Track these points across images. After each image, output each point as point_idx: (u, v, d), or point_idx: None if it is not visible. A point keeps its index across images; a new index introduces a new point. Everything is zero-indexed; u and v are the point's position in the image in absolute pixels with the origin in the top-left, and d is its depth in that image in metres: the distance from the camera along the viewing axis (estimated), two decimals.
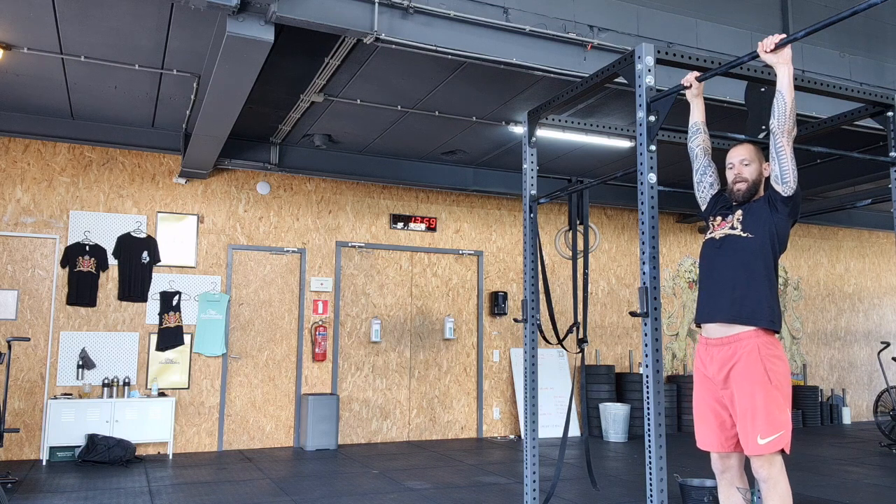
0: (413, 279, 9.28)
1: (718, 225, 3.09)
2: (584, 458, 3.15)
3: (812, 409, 11.17)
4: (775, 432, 2.77)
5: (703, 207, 3.28)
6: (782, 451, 2.82)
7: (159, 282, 7.95)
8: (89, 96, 6.78)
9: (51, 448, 7.17)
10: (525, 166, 4.40)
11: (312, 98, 6.49)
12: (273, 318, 8.50)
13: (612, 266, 10.49)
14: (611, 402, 9.45)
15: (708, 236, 3.12)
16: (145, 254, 7.92)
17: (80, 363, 7.51)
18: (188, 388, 7.97)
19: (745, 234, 2.92)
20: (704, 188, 3.26)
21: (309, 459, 7.50)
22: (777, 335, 2.90)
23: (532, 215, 4.36)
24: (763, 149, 3.30)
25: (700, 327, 3.08)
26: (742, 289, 2.89)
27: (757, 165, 3.01)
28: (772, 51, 2.84)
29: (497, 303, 9.51)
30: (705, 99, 5.97)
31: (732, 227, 2.97)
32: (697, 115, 3.30)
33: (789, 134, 2.85)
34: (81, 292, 7.58)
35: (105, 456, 7.00)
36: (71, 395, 7.39)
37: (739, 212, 3.01)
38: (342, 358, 8.77)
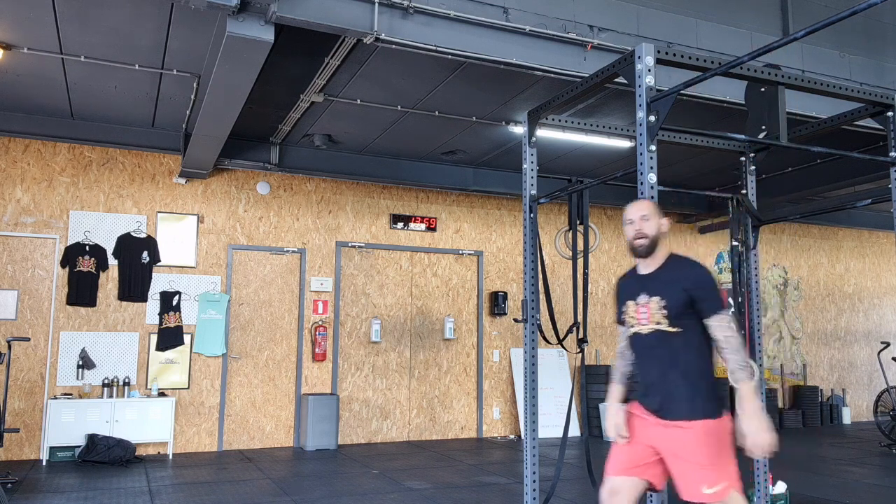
0: (413, 279, 9.28)
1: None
2: (584, 458, 3.15)
3: (812, 409, 11.18)
4: (721, 482, 2.79)
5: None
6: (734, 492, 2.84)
7: (159, 282, 7.95)
8: (89, 96, 6.78)
9: (51, 448, 7.17)
10: (525, 166, 4.40)
11: (312, 98, 6.49)
12: (273, 318, 8.50)
13: (612, 266, 10.49)
14: None
15: (632, 330, 3.07)
16: (145, 254, 7.92)
17: (80, 363, 7.51)
18: (188, 388, 7.97)
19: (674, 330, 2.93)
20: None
21: (309, 459, 7.50)
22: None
23: (532, 215, 4.36)
24: (761, 149, 3.30)
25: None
26: None
27: (655, 221, 2.99)
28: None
29: (497, 303, 9.51)
30: (705, 99, 6.01)
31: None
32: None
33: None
34: (81, 292, 7.58)
35: (105, 456, 7.00)
36: (71, 395, 7.39)
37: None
38: (342, 358, 8.77)
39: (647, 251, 2.97)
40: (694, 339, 2.87)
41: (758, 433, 2.70)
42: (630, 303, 3.04)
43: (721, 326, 2.81)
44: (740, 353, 2.78)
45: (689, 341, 2.87)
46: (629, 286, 3.09)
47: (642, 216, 2.98)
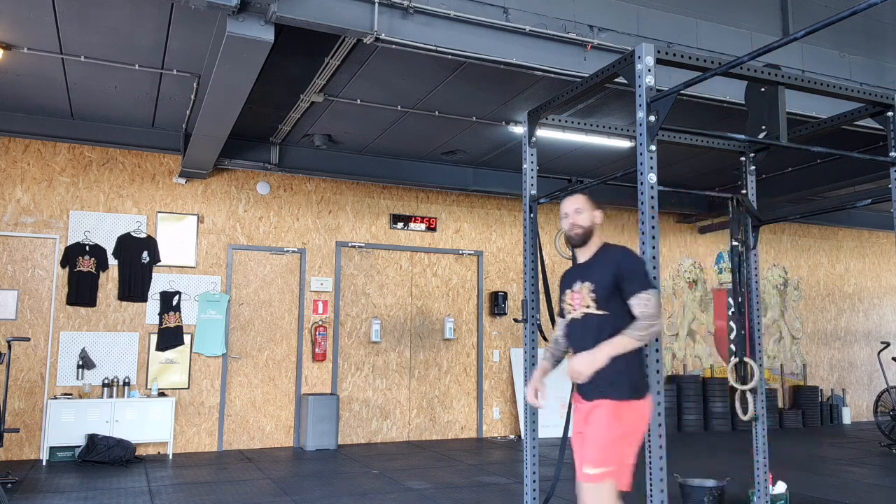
0: (413, 279, 9.28)
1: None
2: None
3: (812, 409, 11.18)
4: (602, 466, 2.88)
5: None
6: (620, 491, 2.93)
7: (159, 282, 7.95)
8: (89, 96, 6.78)
9: (51, 448, 7.17)
10: (525, 166, 4.40)
11: (312, 98, 6.48)
12: (273, 318, 8.50)
13: None
14: None
15: (568, 316, 3.24)
16: (145, 254, 7.92)
17: (80, 363, 7.51)
18: (188, 388, 7.97)
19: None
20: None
21: (309, 459, 7.50)
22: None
23: (532, 215, 4.36)
24: (761, 149, 3.29)
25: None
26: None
27: (589, 213, 3.21)
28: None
29: (497, 303, 9.51)
30: (705, 99, 6.00)
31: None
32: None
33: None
34: (81, 292, 7.58)
35: (105, 456, 7.00)
36: (71, 395, 7.39)
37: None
38: (342, 358, 8.77)
39: (580, 241, 3.21)
40: (619, 322, 2.98)
41: (581, 361, 2.93)
42: (568, 291, 3.24)
43: (639, 304, 2.93)
44: (645, 321, 2.90)
45: (614, 324, 2.98)
46: (569, 277, 3.28)
47: (576, 209, 3.21)
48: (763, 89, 3.63)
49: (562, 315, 3.31)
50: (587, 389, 3.03)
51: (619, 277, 3.00)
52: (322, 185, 8.88)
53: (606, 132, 4.63)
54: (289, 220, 8.67)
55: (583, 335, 3.09)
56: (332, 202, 8.93)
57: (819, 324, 11.98)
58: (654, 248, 3.12)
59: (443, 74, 6.06)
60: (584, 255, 3.23)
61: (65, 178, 7.74)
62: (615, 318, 3.00)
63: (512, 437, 9.39)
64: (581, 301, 3.12)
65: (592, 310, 3.07)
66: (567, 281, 3.27)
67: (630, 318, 2.96)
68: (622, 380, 2.96)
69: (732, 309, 4.20)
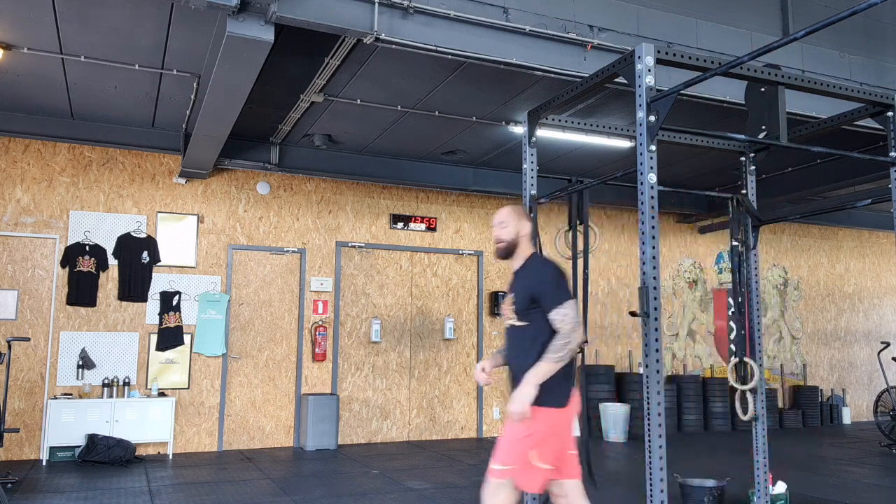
0: (413, 279, 9.28)
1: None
2: (584, 458, 3.17)
3: (812, 409, 11.18)
4: (504, 464, 3.02)
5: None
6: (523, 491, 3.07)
7: (159, 282, 7.95)
8: (89, 96, 6.78)
9: (51, 448, 7.17)
10: (525, 166, 4.39)
11: (312, 98, 6.48)
12: (273, 318, 8.50)
13: (612, 266, 10.49)
14: (611, 402, 9.44)
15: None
16: (145, 254, 7.92)
17: (80, 363, 7.51)
18: (188, 388, 7.97)
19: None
20: None
21: (309, 459, 7.50)
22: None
23: (532, 215, 4.36)
24: (761, 149, 3.29)
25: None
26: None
27: (514, 226, 3.29)
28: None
29: (497, 303, 9.51)
30: (705, 99, 6.00)
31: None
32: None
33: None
34: (81, 292, 7.58)
35: (105, 456, 7.00)
36: (71, 395, 7.39)
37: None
38: (342, 358, 8.77)
39: (504, 254, 3.32)
40: (538, 332, 3.10)
41: (514, 404, 3.01)
42: (505, 299, 3.36)
43: (556, 321, 3.05)
44: (560, 342, 3.02)
45: (534, 335, 3.11)
46: (511, 283, 3.36)
47: (500, 223, 3.33)
48: (763, 89, 3.63)
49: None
50: (514, 392, 3.14)
51: (535, 292, 3.12)
52: (322, 185, 8.88)
53: (606, 132, 4.63)
54: (289, 220, 8.67)
55: (510, 345, 3.26)
56: (332, 202, 8.93)
57: (819, 324, 11.98)
58: (654, 248, 3.12)
59: (443, 74, 6.06)
60: (514, 265, 3.34)
61: (65, 178, 7.74)
62: (535, 329, 3.11)
63: None
64: (507, 312, 3.29)
65: (514, 321, 3.21)
66: (509, 288, 3.37)
67: (550, 327, 3.08)
68: (541, 390, 3.05)
69: (732, 309, 4.20)
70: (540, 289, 3.11)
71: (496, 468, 3.06)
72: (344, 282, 8.89)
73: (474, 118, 7.22)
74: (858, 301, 12.41)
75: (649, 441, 3.09)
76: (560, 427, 3.13)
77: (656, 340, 3.10)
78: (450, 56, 5.29)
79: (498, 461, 3.06)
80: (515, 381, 3.16)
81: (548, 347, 3.03)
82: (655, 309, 3.11)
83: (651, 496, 3.08)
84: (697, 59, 3.40)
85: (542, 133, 6.94)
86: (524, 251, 3.31)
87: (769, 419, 10.60)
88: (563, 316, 3.03)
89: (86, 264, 7.65)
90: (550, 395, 3.07)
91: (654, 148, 3.19)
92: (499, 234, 3.32)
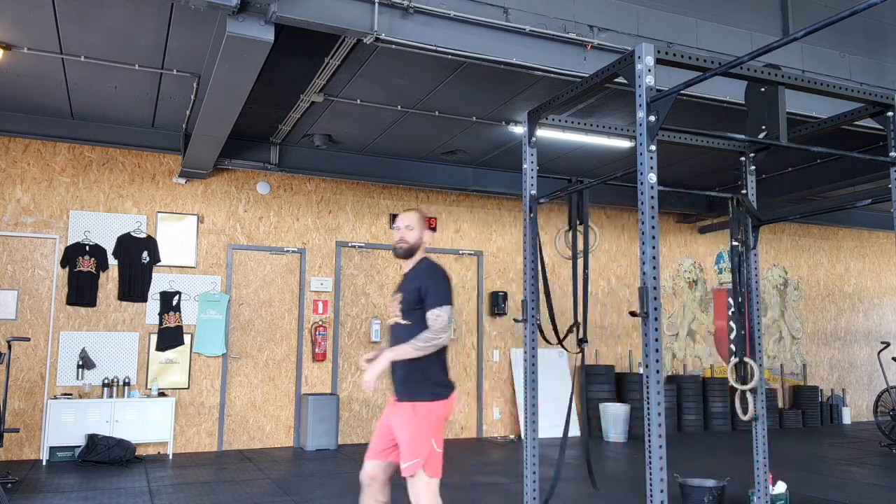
0: None
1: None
2: (584, 458, 3.17)
3: (812, 409, 11.18)
4: (413, 458, 3.28)
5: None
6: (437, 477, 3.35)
7: (159, 282, 7.95)
8: (89, 96, 6.78)
9: (51, 448, 7.17)
10: (525, 166, 4.39)
11: (312, 98, 6.48)
12: (273, 318, 8.50)
13: (612, 266, 10.49)
14: (611, 402, 9.45)
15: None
16: (145, 254, 7.92)
17: (80, 363, 7.51)
18: (188, 388, 7.97)
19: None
20: None
21: (309, 459, 7.50)
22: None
23: (532, 215, 4.36)
24: (761, 149, 3.29)
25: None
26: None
27: (419, 231, 3.53)
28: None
29: (497, 303, 9.51)
30: (705, 99, 6.00)
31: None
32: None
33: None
34: (81, 292, 7.58)
35: (105, 456, 7.00)
36: (71, 395, 7.39)
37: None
38: (342, 358, 8.77)
39: (404, 255, 3.55)
40: (420, 331, 3.33)
41: (368, 371, 3.29)
42: (392, 297, 3.59)
43: (430, 318, 3.33)
44: (428, 335, 3.30)
45: (417, 333, 3.33)
46: (399, 284, 3.61)
47: (407, 226, 3.53)
48: (763, 89, 3.63)
49: None
50: (398, 391, 3.42)
51: (422, 292, 3.37)
52: (322, 185, 8.88)
53: (606, 132, 4.63)
54: (289, 220, 8.67)
55: (394, 342, 3.45)
56: (332, 202, 8.93)
57: (819, 324, 11.98)
58: (654, 248, 3.12)
59: (443, 74, 6.06)
60: (406, 267, 3.58)
61: (65, 178, 7.74)
62: (418, 328, 3.34)
63: (512, 437, 9.39)
64: (393, 310, 3.52)
65: (399, 319, 3.44)
66: (397, 288, 3.60)
67: (416, 326, 3.35)
68: (423, 386, 3.33)
69: (732, 309, 4.20)
70: (427, 289, 3.38)
71: (409, 465, 3.28)
72: (344, 282, 8.89)
73: (474, 118, 7.22)
74: (858, 301, 12.41)
75: (649, 441, 3.09)
76: (446, 416, 3.41)
77: (656, 340, 3.10)
78: (450, 56, 5.29)
79: (406, 459, 3.29)
80: (393, 376, 3.44)
81: (416, 336, 3.30)
82: (655, 309, 3.11)
83: (651, 496, 3.08)
84: (697, 59, 3.40)
85: (542, 133, 6.94)
86: (418, 255, 3.57)
87: (769, 419, 10.60)
88: (437, 316, 3.32)
89: (86, 264, 7.65)
90: (436, 392, 3.37)
91: (654, 148, 3.19)
92: (404, 235, 3.53)
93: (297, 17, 4.65)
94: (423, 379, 3.36)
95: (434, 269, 3.48)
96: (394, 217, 9.17)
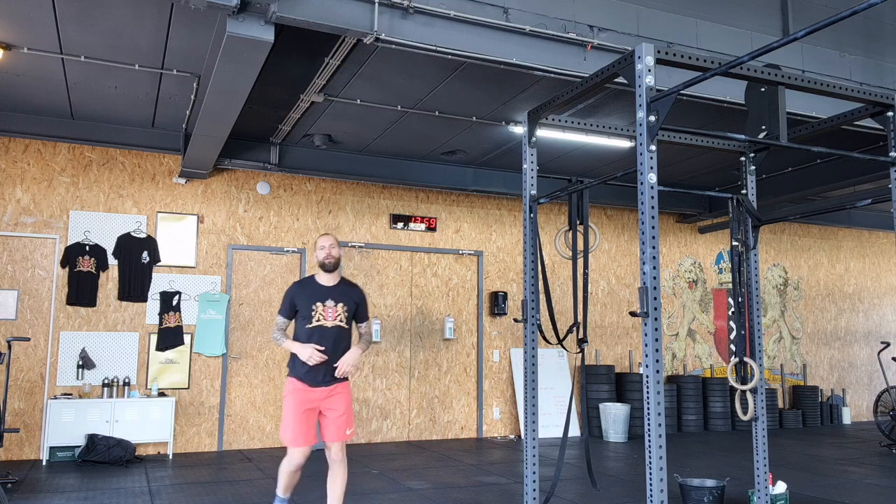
0: (413, 279, 9.28)
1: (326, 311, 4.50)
2: (584, 458, 3.18)
3: (812, 409, 11.18)
4: (352, 427, 4.54)
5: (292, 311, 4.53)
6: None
7: (159, 282, 7.95)
8: (89, 96, 6.78)
9: (51, 448, 7.17)
10: (525, 166, 4.40)
11: (312, 98, 6.48)
12: (273, 318, 8.49)
13: (612, 266, 10.49)
14: (611, 402, 9.45)
15: (316, 323, 4.41)
16: (145, 254, 7.92)
17: (80, 363, 7.51)
18: (188, 388, 7.97)
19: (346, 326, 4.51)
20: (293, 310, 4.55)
21: (309, 459, 7.46)
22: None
23: (532, 215, 4.36)
24: (761, 149, 3.29)
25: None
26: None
27: (338, 250, 4.54)
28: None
29: (497, 303, 9.51)
30: (705, 99, 6.01)
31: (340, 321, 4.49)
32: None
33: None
34: (81, 292, 7.58)
35: (105, 456, 7.00)
36: (71, 395, 7.39)
37: (342, 305, 4.49)
38: None
39: (333, 268, 4.50)
40: (350, 334, 4.52)
41: (353, 360, 4.42)
42: (319, 304, 4.42)
43: (366, 328, 4.65)
44: (367, 342, 4.60)
45: (349, 335, 4.52)
46: (313, 292, 4.46)
47: (331, 244, 4.49)
48: (763, 89, 3.63)
49: (306, 318, 4.40)
50: (329, 379, 4.38)
51: (358, 308, 4.55)
52: (322, 185, 8.88)
53: (606, 132, 4.63)
54: (289, 220, 8.67)
55: (334, 340, 4.40)
56: (332, 202, 8.93)
57: (819, 324, 11.98)
58: (654, 248, 3.12)
59: (443, 74, 6.06)
60: (330, 280, 4.50)
61: (65, 178, 7.74)
62: (349, 332, 4.53)
63: (512, 437, 9.39)
64: (335, 316, 4.44)
65: (343, 324, 4.45)
66: (312, 295, 4.44)
67: (354, 330, 4.61)
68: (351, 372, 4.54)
69: (732, 309, 4.21)
70: (363, 306, 4.59)
71: (350, 432, 4.49)
72: None
73: (474, 118, 7.22)
74: (858, 301, 12.41)
75: (649, 441, 3.09)
76: None
77: (656, 340, 3.10)
78: (450, 56, 5.29)
79: (351, 426, 4.50)
80: (325, 368, 4.35)
81: (361, 342, 4.54)
82: (655, 309, 3.11)
83: (651, 496, 3.09)
84: (697, 59, 3.40)
85: (542, 133, 6.95)
86: (338, 272, 4.57)
87: (769, 419, 10.60)
88: (369, 327, 4.67)
89: (86, 264, 7.65)
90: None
91: (654, 148, 3.19)
92: (331, 252, 4.49)
93: (297, 17, 4.65)
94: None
95: (362, 290, 4.67)
96: (394, 217, 9.18)
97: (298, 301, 4.46)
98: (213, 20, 5.04)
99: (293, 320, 4.52)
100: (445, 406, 9.25)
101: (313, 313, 4.41)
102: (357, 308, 4.53)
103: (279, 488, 4.64)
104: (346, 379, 4.46)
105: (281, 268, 8.61)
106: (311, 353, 4.28)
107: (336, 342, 4.39)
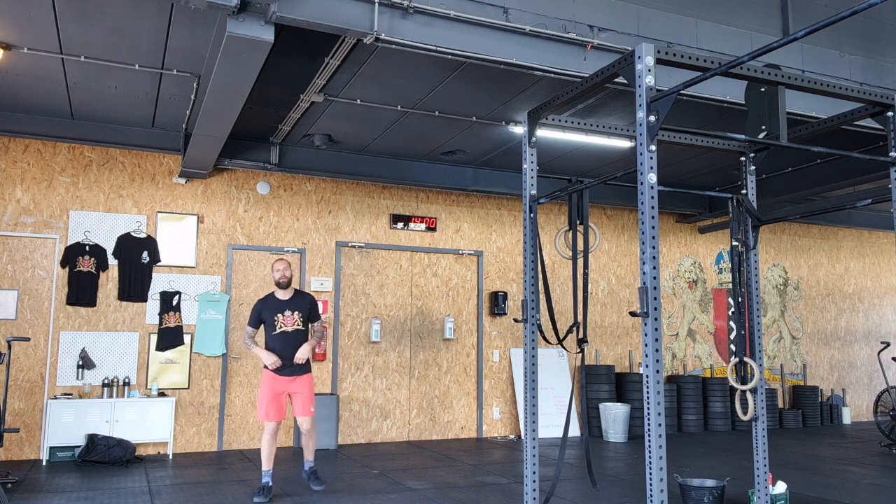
0: (413, 279, 9.28)
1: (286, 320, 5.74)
2: (584, 458, 3.18)
3: (812, 409, 11.18)
4: (314, 406, 5.76)
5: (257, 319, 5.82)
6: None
7: (159, 282, 7.96)
8: (89, 96, 6.78)
9: (51, 448, 7.17)
10: (525, 166, 4.40)
11: (312, 98, 6.48)
12: None
13: (612, 266, 10.49)
14: (611, 402, 9.45)
15: (279, 330, 5.68)
16: (145, 254, 7.92)
17: (80, 363, 7.51)
18: (188, 388, 7.97)
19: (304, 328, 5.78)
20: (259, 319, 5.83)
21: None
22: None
23: (532, 215, 4.36)
24: (761, 149, 3.29)
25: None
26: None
27: (292, 272, 5.80)
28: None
29: (497, 303, 9.51)
30: (705, 99, 6.01)
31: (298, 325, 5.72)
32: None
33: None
34: (81, 292, 7.58)
35: (105, 456, 7.00)
36: (71, 395, 7.39)
37: (298, 314, 5.73)
38: (342, 358, 8.77)
39: (286, 286, 5.75)
40: (306, 334, 5.78)
41: (306, 352, 5.70)
42: (279, 315, 5.68)
43: (318, 327, 5.89)
44: (318, 339, 5.88)
45: (305, 335, 5.76)
46: (274, 306, 5.72)
47: (285, 268, 5.72)
48: (763, 89, 3.64)
49: (272, 326, 5.66)
50: (295, 369, 5.64)
51: (310, 311, 5.79)
52: (322, 185, 8.88)
53: (606, 132, 4.63)
54: (289, 220, 8.67)
55: (296, 341, 5.67)
56: (332, 202, 8.93)
57: (819, 324, 11.99)
58: (654, 248, 3.12)
59: (443, 74, 6.06)
60: (285, 295, 5.75)
61: (65, 178, 7.74)
62: (306, 332, 5.77)
63: (512, 437, 9.39)
64: (294, 322, 5.69)
65: (300, 327, 5.71)
66: (273, 308, 5.70)
67: (307, 330, 5.81)
68: (309, 364, 5.79)
69: (732, 309, 4.21)
70: (313, 309, 5.83)
71: (314, 409, 5.74)
72: (344, 282, 8.89)
73: (474, 118, 7.22)
74: (858, 301, 12.41)
75: (649, 441, 3.09)
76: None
77: (656, 340, 3.10)
78: (450, 56, 5.29)
79: (313, 406, 5.73)
80: (289, 360, 5.60)
81: (313, 337, 5.81)
82: (655, 309, 3.11)
83: (651, 496, 3.09)
84: (697, 59, 3.40)
85: (542, 133, 6.94)
86: (293, 287, 5.89)
87: (769, 419, 10.60)
88: (321, 325, 5.98)
89: (86, 264, 7.65)
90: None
91: (654, 148, 3.19)
92: (286, 273, 5.73)
93: (297, 17, 4.65)
94: (308, 361, 5.81)
95: (313, 296, 5.98)
96: (394, 217, 9.17)
97: (264, 314, 5.71)
98: (213, 20, 5.04)
99: (260, 328, 5.81)
100: (445, 406, 9.25)
101: (276, 322, 5.66)
102: (309, 311, 5.79)
103: (263, 464, 5.64)
104: (308, 370, 5.73)
105: None
106: (273, 361, 5.58)
107: (297, 342, 5.68)
